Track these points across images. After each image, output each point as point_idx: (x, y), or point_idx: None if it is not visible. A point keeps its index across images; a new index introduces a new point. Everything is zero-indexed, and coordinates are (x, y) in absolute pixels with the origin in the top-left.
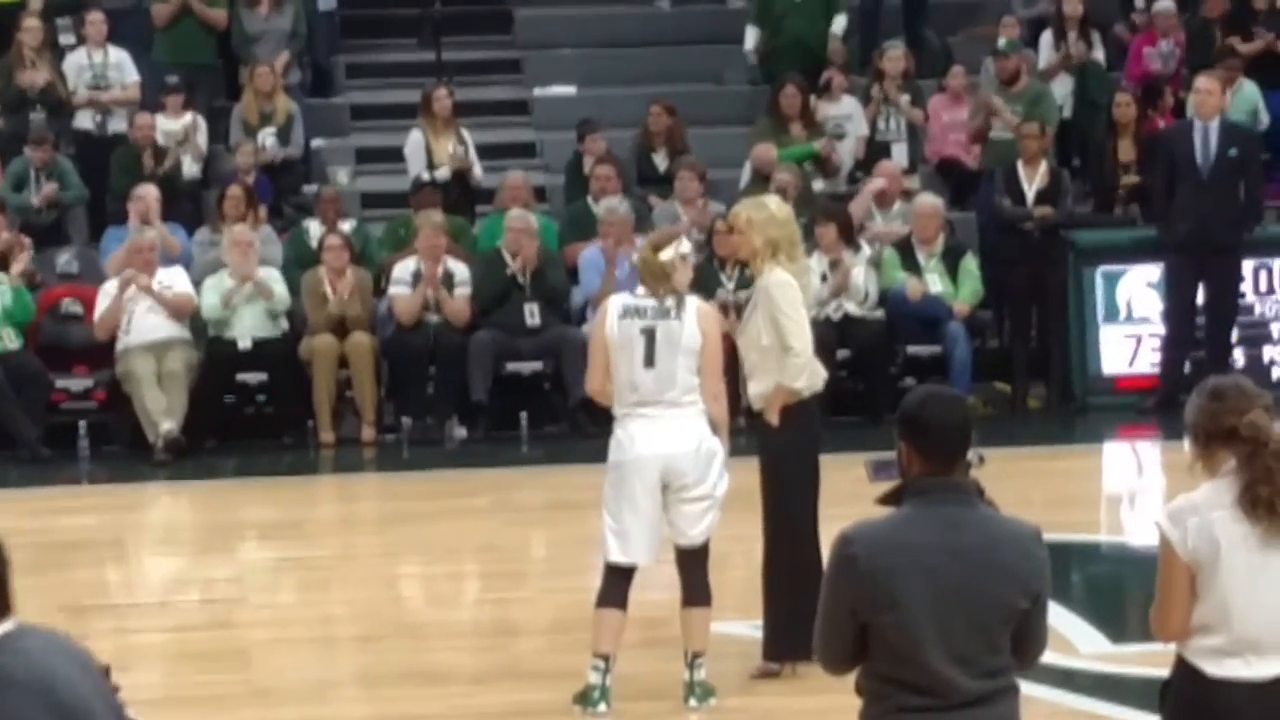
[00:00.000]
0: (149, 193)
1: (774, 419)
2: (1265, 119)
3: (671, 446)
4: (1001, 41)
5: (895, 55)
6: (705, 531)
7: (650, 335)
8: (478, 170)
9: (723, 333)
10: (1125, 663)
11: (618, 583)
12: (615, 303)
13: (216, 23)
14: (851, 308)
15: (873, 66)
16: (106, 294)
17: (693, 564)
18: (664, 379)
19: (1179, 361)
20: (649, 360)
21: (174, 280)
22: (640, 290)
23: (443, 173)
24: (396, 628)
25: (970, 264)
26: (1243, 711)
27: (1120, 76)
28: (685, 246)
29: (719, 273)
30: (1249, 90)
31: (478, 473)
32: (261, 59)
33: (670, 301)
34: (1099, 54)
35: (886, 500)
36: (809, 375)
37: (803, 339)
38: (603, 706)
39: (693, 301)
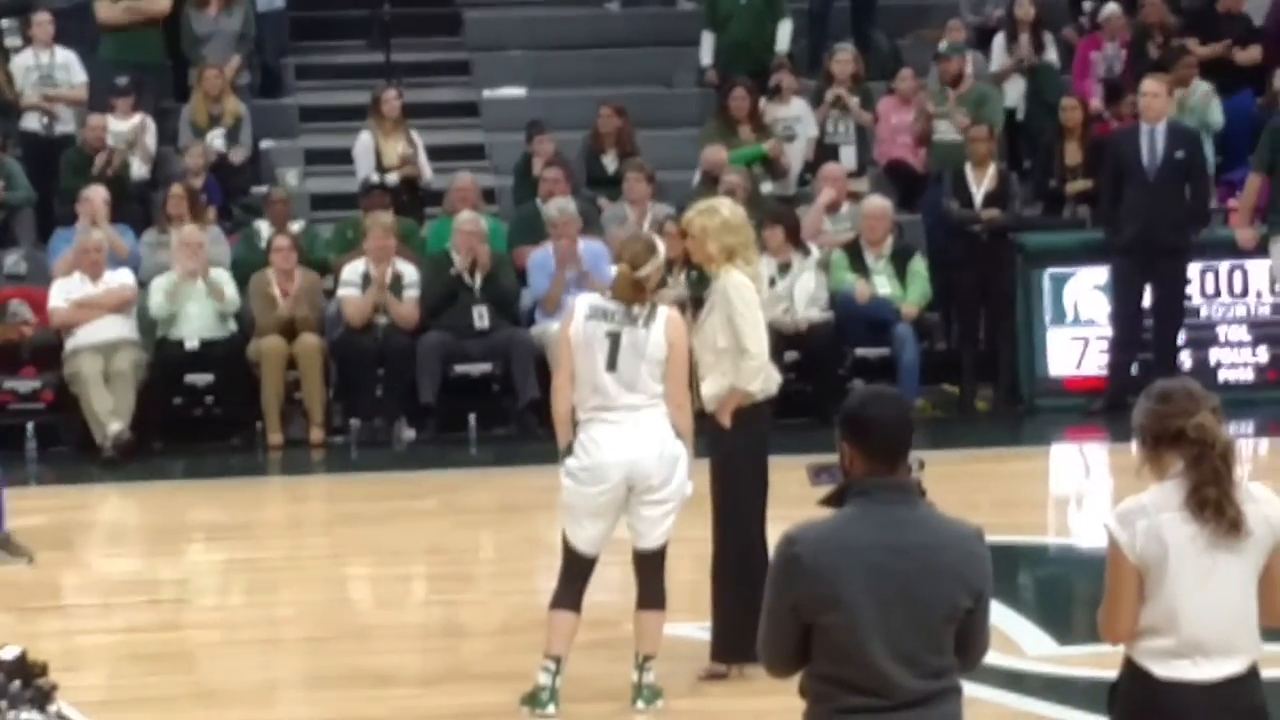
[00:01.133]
0: (97, 194)
1: (726, 421)
2: (1219, 118)
3: (635, 451)
4: (943, 44)
5: (844, 58)
6: (664, 535)
7: (615, 339)
8: (427, 172)
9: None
10: (1072, 664)
11: (573, 585)
12: (583, 302)
13: (158, 14)
14: (798, 310)
15: (822, 69)
16: (61, 292)
17: (649, 567)
18: (626, 383)
19: (1126, 364)
20: (611, 364)
21: (121, 280)
22: (610, 293)
23: (392, 176)
24: (344, 629)
25: (919, 266)
26: (1191, 713)
27: (1069, 78)
28: (661, 257)
29: (666, 275)
30: (1203, 90)
31: (426, 474)
32: (210, 60)
33: (640, 310)
34: (1052, 55)
35: (829, 501)
36: (764, 378)
37: (759, 342)
38: (551, 708)
39: (663, 311)
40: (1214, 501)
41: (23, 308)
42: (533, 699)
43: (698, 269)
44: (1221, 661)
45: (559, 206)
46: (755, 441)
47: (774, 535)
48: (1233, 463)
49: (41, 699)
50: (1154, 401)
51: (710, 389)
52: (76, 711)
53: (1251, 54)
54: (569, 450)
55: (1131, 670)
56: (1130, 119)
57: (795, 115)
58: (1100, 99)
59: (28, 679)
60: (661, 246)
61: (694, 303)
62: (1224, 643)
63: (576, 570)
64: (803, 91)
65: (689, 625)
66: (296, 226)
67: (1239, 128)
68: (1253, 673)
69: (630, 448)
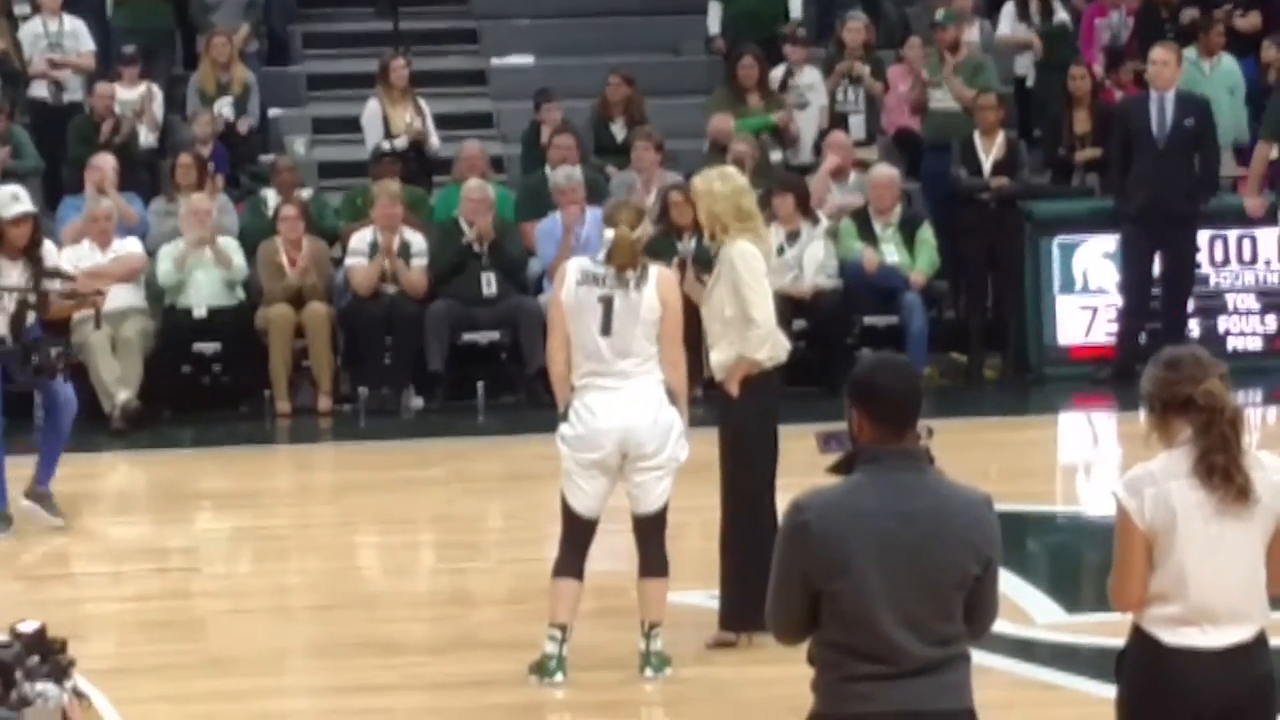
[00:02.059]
0: (105, 162)
1: (734, 390)
2: (1242, 90)
3: (630, 418)
4: (940, 13)
5: (856, 26)
6: (662, 498)
7: (608, 304)
8: (434, 140)
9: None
10: (1081, 632)
11: (574, 552)
12: (573, 267)
13: None
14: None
15: (833, 37)
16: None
17: (650, 533)
18: (620, 347)
19: (1135, 332)
20: (605, 329)
21: (130, 249)
22: (600, 256)
23: (400, 143)
24: (352, 598)
25: (926, 234)
26: (1199, 680)
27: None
28: (648, 225)
29: (675, 243)
30: (1228, 60)
31: (434, 443)
32: (218, 28)
33: (632, 273)
34: (1064, 16)
35: (838, 468)
36: (771, 346)
37: (765, 310)
38: (559, 676)
39: (654, 271)
40: (1222, 468)
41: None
42: (541, 668)
43: (700, 235)
44: (1230, 628)
45: (565, 174)
46: (764, 410)
47: (783, 503)
48: (1241, 429)
49: (59, 674)
50: (1162, 368)
51: (718, 358)
52: (87, 681)
53: (1251, 20)
54: (565, 414)
55: (1140, 637)
56: (1131, 87)
57: (808, 84)
58: (1101, 66)
59: (46, 654)
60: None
61: (705, 268)
62: (1232, 610)
63: (577, 535)
64: (813, 60)
65: (698, 593)
66: (304, 195)
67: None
68: (1261, 640)
69: (624, 414)
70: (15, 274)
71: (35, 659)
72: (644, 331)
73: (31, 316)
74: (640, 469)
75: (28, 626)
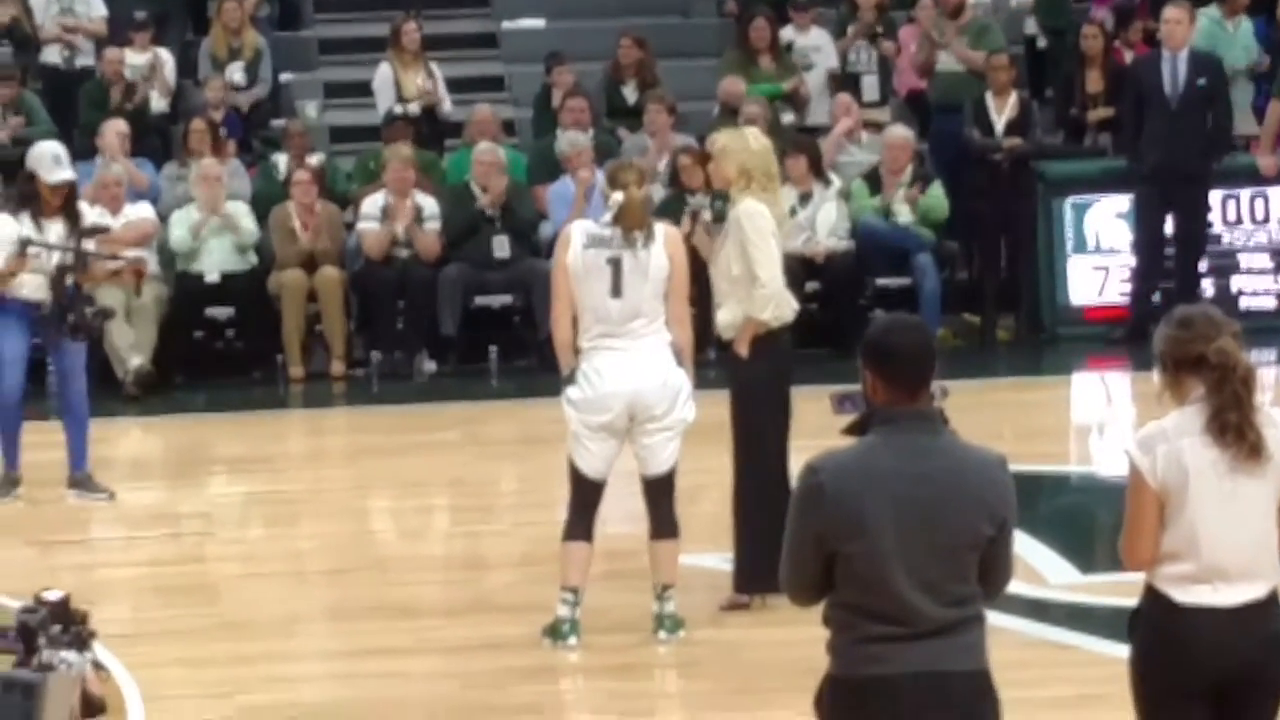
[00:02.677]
0: (115, 127)
1: (744, 351)
2: (1259, 57)
3: (638, 381)
4: None
5: None
6: (671, 459)
7: (616, 265)
8: (447, 104)
9: (685, 240)
10: (1095, 593)
11: (583, 515)
12: (578, 230)
13: None
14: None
15: None
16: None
17: (659, 494)
18: (630, 308)
19: (1148, 292)
20: (616, 290)
21: (141, 215)
22: (605, 218)
23: (413, 107)
24: (366, 561)
25: (937, 191)
26: (1211, 638)
27: (1089, 6)
28: (652, 186)
29: (687, 199)
30: (1246, 26)
31: (447, 406)
32: None
33: (640, 233)
34: None
35: (852, 430)
36: (776, 306)
37: (770, 270)
38: (573, 639)
39: (660, 228)
40: (1235, 426)
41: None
42: (554, 631)
43: (723, 196)
44: (1242, 586)
45: (570, 140)
46: (775, 370)
47: (796, 465)
48: (1254, 387)
49: (80, 644)
50: (1174, 327)
51: (725, 317)
52: (104, 646)
53: None
54: (571, 378)
55: (1152, 596)
56: (1141, 46)
57: (814, 45)
58: (1110, 24)
59: (68, 623)
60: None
61: (721, 222)
62: (1244, 568)
63: (585, 498)
64: (819, 21)
65: (711, 556)
66: (315, 159)
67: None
68: (1273, 598)
69: (633, 377)
70: (54, 233)
71: (58, 628)
72: (653, 291)
73: (70, 278)
74: (649, 431)
75: (52, 595)
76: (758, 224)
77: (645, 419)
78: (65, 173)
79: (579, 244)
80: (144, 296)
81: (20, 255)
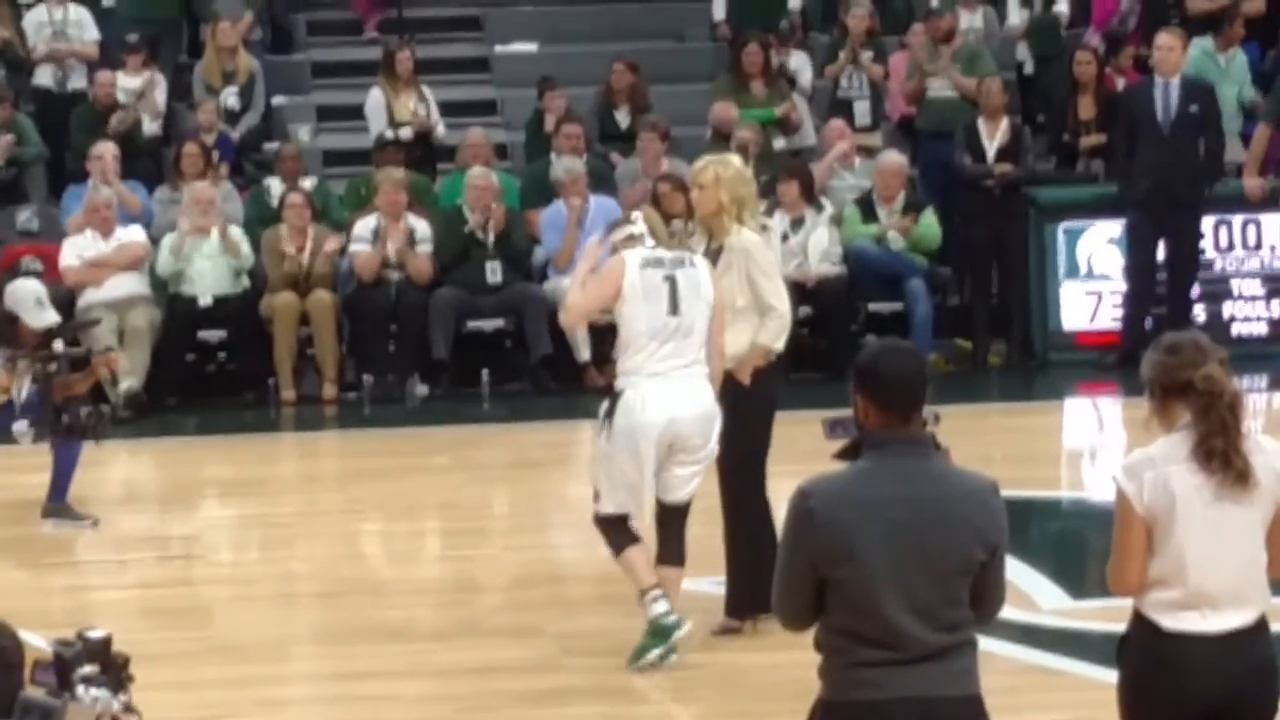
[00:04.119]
0: (107, 150)
1: (746, 379)
2: (1252, 96)
3: (681, 410)
4: (935, 1)
5: (860, 13)
6: (694, 491)
7: (673, 282)
8: (440, 129)
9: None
10: (1086, 618)
11: (623, 526)
12: (633, 258)
13: None
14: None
15: (837, 22)
16: (73, 250)
17: (675, 521)
18: (686, 328)
19: (1140, 318)
20: (674, 308)
21: (133, 239)
22: (651, 243)
23: (405, 131)
24: (358, 585)
25: (930, 219)
26: (1199, 664)
27: (1082, 32)
28: (638, 226)
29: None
30: (1240, 60)
31: (439, 430)
32: (223, 16)
33: (684, 254)
34: (1062, 8)
35: (844, 455)
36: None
37: (784, 299)
38: (685, 624)
39: (698, 257)
40: (1221, 452)
41: (35, 263)
42: (661, 630)
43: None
44: (1230, 613)
45: (566, 167)
46: (768, 397)
47: (786, 490)
48: (1241, 414)
49: (115, 685)
50: (1162, 353)
51: (732, 348)
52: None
53: (1256, 5)
54: (614, 406)
55: (1140, 622)
56: (1131, 72)
57: (796, 66)
58: (1101, 51)
59: (107, 665)
60: (639, 219)
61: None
62: (1232, 594)
63: (620, 517)
64: (814, 46)
65: (703, 580)
66: (309, 183)
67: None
68: (1261, 624)
69: (676, 406)
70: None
71: (95, 668)
72: (704, 313)
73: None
74: (683, 461)
75: (96, 634)
76: (767, 254)
77: (680, 448)
78: (50, 316)
79: (635, 266)
80: (136, 320)
81: (8, 371)
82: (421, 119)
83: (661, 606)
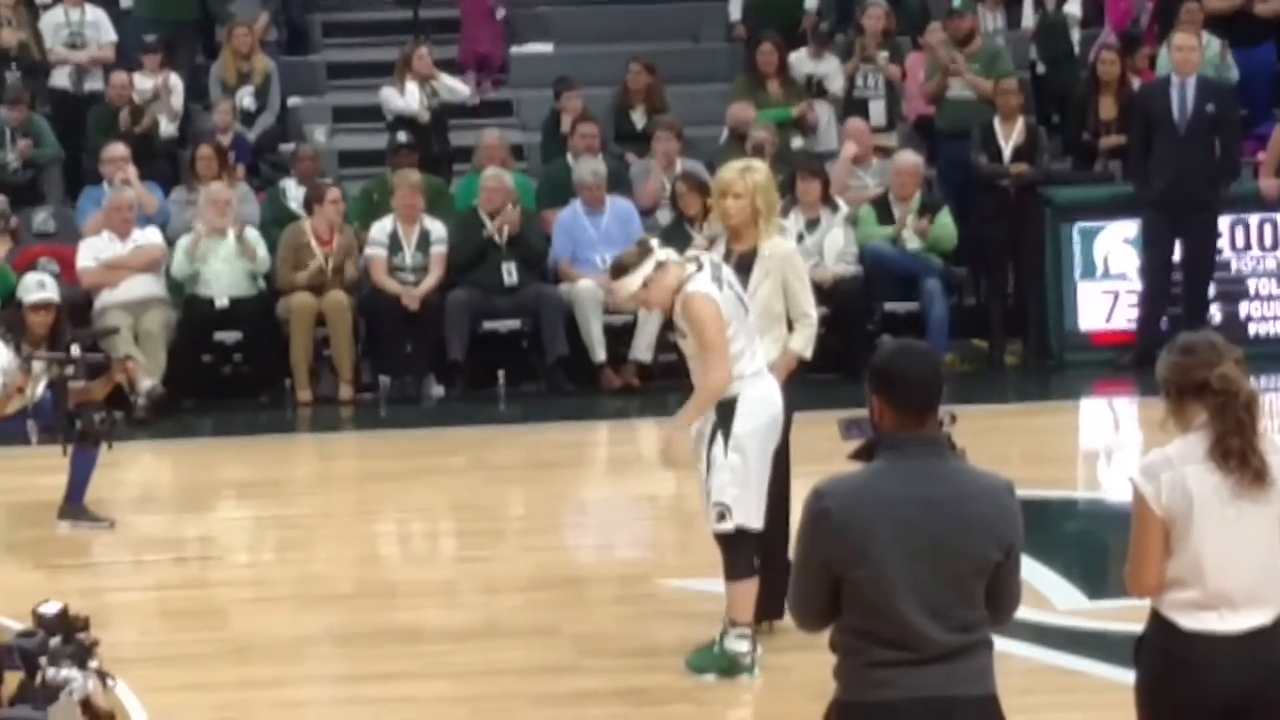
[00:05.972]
0: (119, 152)
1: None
2: (1234, 74)
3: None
4: (956, 1)
5: (876, 13)
6: None
7: (730, 284)
8: (464, 91)
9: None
10: (1102, 618)
11: (755, 549)
12: (701, 280)
13: None
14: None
15: (853, 22)
16: (90, 252)
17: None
18: (754, 320)
19: (1156, 317)
20: (744, 305)
21: (150, 239)
22: (696, 247)
23: (422, 113)
24: (374, 586)
25: (946, 219)
26: (1217, 665)
27: (1096, 32)
28: (660, 254)
29: (689, 229)
30: (1215, 46)
31: (455, 431)
32: (238, 18)
33: (707, 255)
34: (1073, 8)
35: (860, 455)
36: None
37: (814, 306)
38: (757, 673)
39: (714, 255)
40: (1238, 452)
41: (51, 265)
42: (734, 665)
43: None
44: (1248, 613)
45: (592, 169)
46: (790, 399)
47: (802, 491)
48: (1257, 413)
49: (82, 654)
50: (1177, 354)
51: (771, 354)
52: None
53: (1272, 5)
54: (732, 413)
55: (1158, 623)
56: (1147, 72)
57: (825, 72)
58: (1120, 54)
59: (69, 634)
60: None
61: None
62: (1250, 594)
63: (754, 537)
64: (832, 46)
65: (717, 582)
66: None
67: (1261, 81)
68: (1279, 624)
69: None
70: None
71: (58, 640)
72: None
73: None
74: None
75: (50, 608)
76: (802, 262)
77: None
78: (44, 294)
79: (713, 289)
80: (152, 321)
81: (24, 372)
82: (444, 98)
83: (747, 646)
